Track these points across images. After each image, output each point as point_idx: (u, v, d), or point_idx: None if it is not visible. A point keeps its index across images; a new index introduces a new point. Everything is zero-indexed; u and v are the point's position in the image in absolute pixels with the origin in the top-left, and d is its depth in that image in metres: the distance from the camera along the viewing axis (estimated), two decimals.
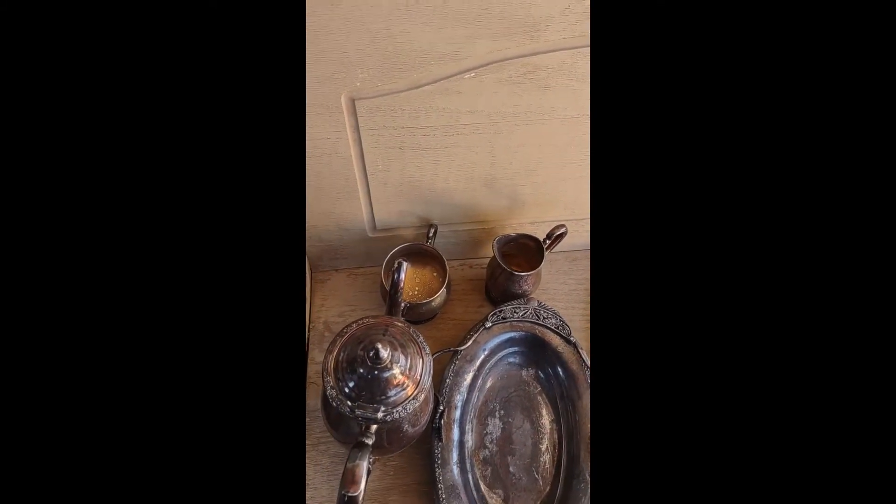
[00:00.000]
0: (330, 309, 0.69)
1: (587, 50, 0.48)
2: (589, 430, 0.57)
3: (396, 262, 0.46)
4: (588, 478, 0.55)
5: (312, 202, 0.61)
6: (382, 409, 0.40)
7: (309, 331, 0.68)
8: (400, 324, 0.44)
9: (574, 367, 0.60)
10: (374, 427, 0.40)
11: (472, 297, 0.70)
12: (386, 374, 0.40)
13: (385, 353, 0.39)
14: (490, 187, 0.62)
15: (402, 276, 0.45)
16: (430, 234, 0.64)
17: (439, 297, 0.63)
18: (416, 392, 0.43)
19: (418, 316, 0.65)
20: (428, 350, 0.44)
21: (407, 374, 0.42)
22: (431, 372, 0.46)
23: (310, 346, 0.66)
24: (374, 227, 0.66)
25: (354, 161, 0.56)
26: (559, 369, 0.61)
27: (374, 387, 0.40)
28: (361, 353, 0.40)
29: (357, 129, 0.53)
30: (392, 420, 0.41)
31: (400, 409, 0.41)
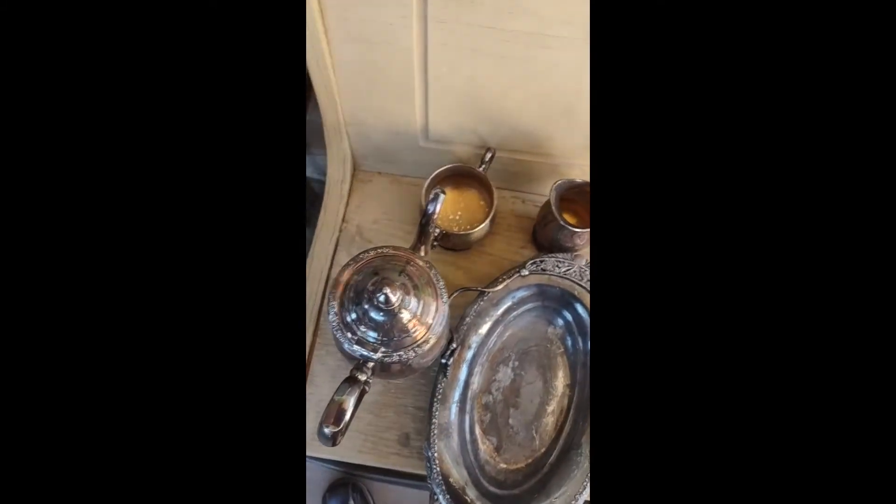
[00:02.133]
0: (366, 213, 0.65)
1: None
2: None
3: (433, 192, 0.40)
4: (587, 453, 0.52)
5: (363, 95, 0.54)
6: (383, 349, 0.37)
7: (340, 231, 0.65)
8: (422, 263, 0.39)
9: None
10: (371, 363, 0.38)
11: (516, 236, 0.64)
12: (393, 317, 0.36)
13: (395, 297, 0.35)
14: (568, 118, 0.53)
15: (437, 208, 0.40)
16: (486, 159, 0.57)
17: (480, 229, 0.57)
18: (425, 336, 0.39)
19: (454, 244, 0.60)
20: (446, 298, 0.40)
21: (418, 318, 0.38)
22: (447, 318, 0.42)
23: (338, 248, 0.64)
24: (426, 137, 0.59)
25: (416, 56, 0.48)
26: (588, 338, 0.56)
27: (377, 326, 0.37)
28: (371, 288, 0.36)
29: (425, 17, 0.44)
30: (392, 361, 0.38)
31: (403, 353, 0.38)
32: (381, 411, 0.58)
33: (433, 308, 0.39)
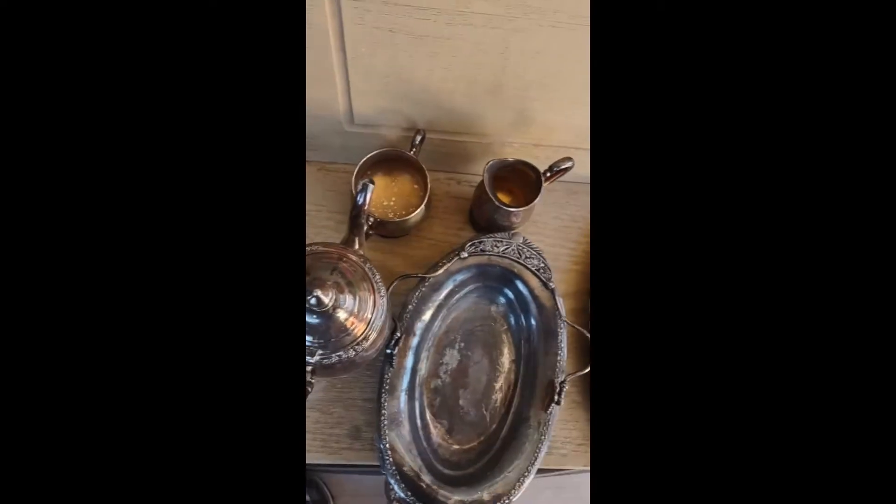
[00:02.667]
0: None
1: None
2: (549, 379, 0.55)
3: (361, 183, 0.38)
4: (535, 424, 0.53)
5: None
6: (321, 352, 0.35)
7: None
8: (355, 257, 0.38)
9: (547, 313, 0.56)
10: (309, 367, 0.36)
11: (453, 218, 0.63)
12: (328, 318, 0.35)
13: (327, 298, 0.34)
14: (495, 95, 0.52)
15: (367, 198, 0.38)
16: (417, 142, 0.55)
17: (416, 214, 0.56)
18: (365, 333, 0.38)
19: (390, 231, 0.58)
20: (384, 292, 0.39)
21: (356, 315, 0.37)
22: (387, 309, 0.41)
23: None
24: (351, 121, 0.56)
25: (332, 37, 0.45)
26: (531, 313, 0.57)
27: (312, 329, 0.35)
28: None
29: None
30: (331, 363, 0.36)
31: (343, 352, 0.36)
32: (329, 408, 0.57)
33: (370, 303, 0.38)
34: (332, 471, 0.98)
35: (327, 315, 0.35)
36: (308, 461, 0.57)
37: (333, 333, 0.36)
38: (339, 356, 0.36)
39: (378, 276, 0.39)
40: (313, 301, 0.33)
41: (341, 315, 0.36)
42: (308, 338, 0.36)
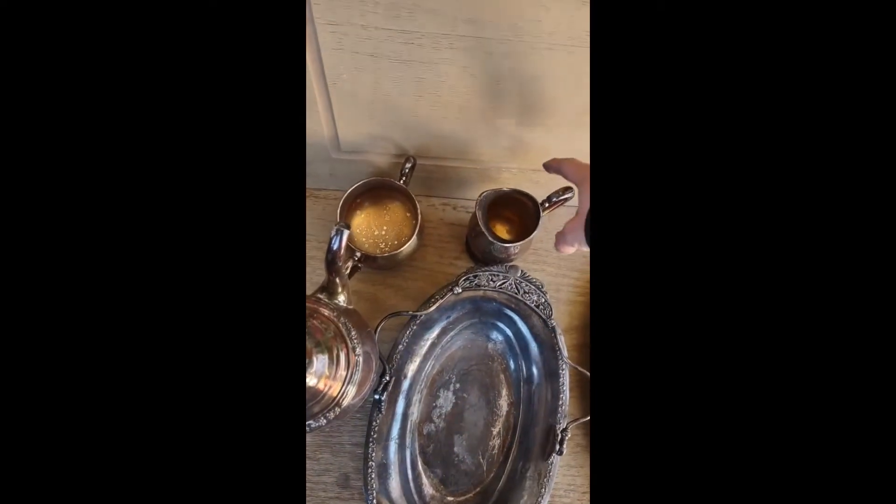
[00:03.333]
0: None
1: None
2: (550, 425, 0.50)
3: (335, 227, 0.34)
4: (534, 475, 0.49)
5: None
6: None
7: None
8: (327, 311, 0.34)
9: (548, 352, 0.52)
10: None
11: (449, 246, 0.60)
12: None
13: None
14: (488, 123, 0.48)
15: (342, 243, 0.34)
16: (406, 170, 0.52)
17: (407, 247, 0.52)
18: (342, 391, 0.34)
19: (380, 265, 0.55)
20: (359, 349, 0.35)
21: (328, 376, 0.33)
22: (366, 360, 0.37)
23: None
24: (338, 148, 0.53)
25: (309, 62, 0.42)
26: (530, 353, 0.53)
27: None
28: None
29: (312, 20, 0.38)
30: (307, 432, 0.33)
31: (313, 422, 0.33)
32: (316, 453, 0.53)
33: (343, 361, 0.34)
34: None
35: None
36: None
37: (307, 398, 0.32)
38: (309, 426, 0.32)
39: (354, 332, 0.35)
40: None
41: (310, 381, 0.32)
42: None
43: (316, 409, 0.33)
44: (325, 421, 0.33)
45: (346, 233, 0.34)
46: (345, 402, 0.34)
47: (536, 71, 0.42)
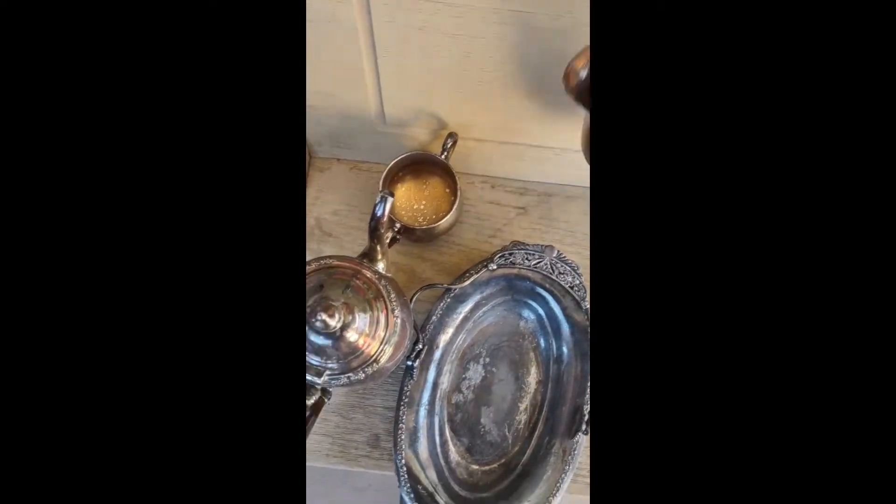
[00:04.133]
0: (325, 204, 0.61)
1: None
2: (577, 405, 0.51)
3: (380, 195, 0.36)
4: (559, 452, 0.50)
5: (310, 77, 0.48)
6: (329, 373, 0.34)
7: None
8: (370, 273, 0.36)
9: (579, 334, 0.52)
10: (317, 387, 0.35)
11: (485, 224, 0.60)
12: (337, 339, 0.33)
13: (334, 321, 0.32)
14: (530, 98, 0.48)
15: (385, 210, 0.36)
16: (448, 146, 0.52)
17: (445, 221, 0.53)
18: (379, 351, 0.36)
19: (418, 237, 0.56)
20: (398, 312, 0.37)
21: (367, 334, 0.35)
22: (404, 325, 0.39)
23: None
24: (383, 121, 0.54)
25: (361, 35, 0.43)
26: (562, 333, 0.53)
27: (319, 349, 0.34)
28: (309, 310, 0.33)
29: None
30: (341, 385, 0.35)
31: (352, 374, 0.34)
32: (349, 413, 0.56)
33: (383, 321, 0.36)
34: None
35: (335, 337, 0.33)
36: (327, 465, 0.56)
37: (343, 355, 0.34)
38: (349, 377, 0.34)
39: (394, 295, 0.37)
40: (319, 324, 0.31)
41: (352, 336, 0.34)
42: (315, 358, 0.34)
43: (354, 364, 0.35)
44: (363, 375, 0.35)
45: (390, 200, 0.35)
46: (381, 361, 0.36)
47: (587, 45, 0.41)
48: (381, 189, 0.50)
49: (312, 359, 0.34)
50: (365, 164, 0.62)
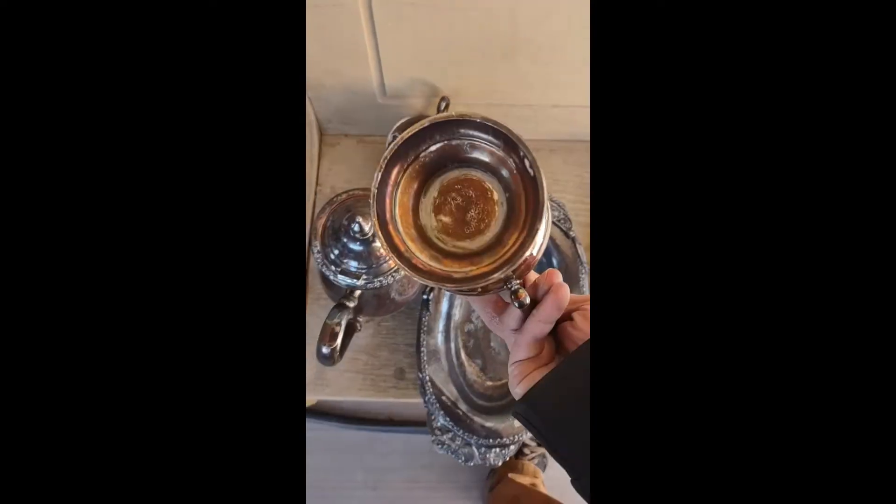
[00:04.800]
0: (338, 175, 0.69)
1: None
2: None
3: (392, 133, 0.44)
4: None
5: (317, 59, 0.57)
6: (364, 276, 0.42)
7: (316, 193, 0.69)
8: None
9: (568, 261, 0.61)
10: (357, 292, 0.43)
11: None
12: (369, 245, 0.41)
13: (368, 226, 0.40)
14: (509, 61, 0.57)
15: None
16: (441, 108, 0.61)
17: None
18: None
19: None
20: None
21: None
22: None
23: (315, 207, 0.68)
24: (384, 93, 0.63)
25: (363, 17, 0.51)
26: (553, 261, 0.62)
27: (357, 256, 0.42)
28: (346, 223, 0.41)
29: None
30: (374, 287, 0.43)
31: (382, 278, 0.42)
32: (375, 351, 0.64)
33: None
34: (384, 430, 1.07)
35: (368, 242, 0.41)
36: (359, 398, 0.64)
37: (374, 260, 0.42)
38: (381, 281, 0.42)
39: None
40: (356, 228, 0.39)
41: (379, 244, 0.42)
42: (353, 263, 0.42)
43: (384, 269, 0.42)
44: (392, 279, 0.43)
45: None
46: (400, 275, 0.44)
47: (548, 9, 0.50)
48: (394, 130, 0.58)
49: (351, 265, 0.42)
50: (370, 137, 0.70)
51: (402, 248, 0.26)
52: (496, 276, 0.25)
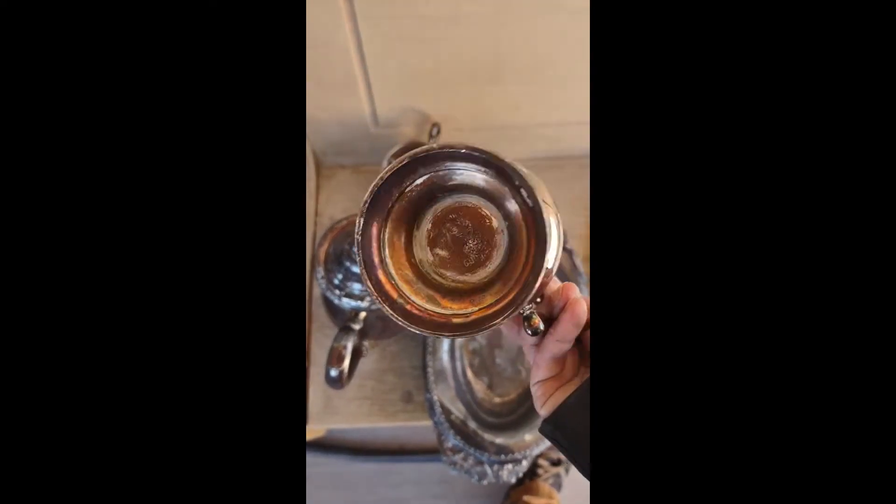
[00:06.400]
0: (336, 204, 0.71)
1: None
2: None
3: (387, 159, 0.46)
4: None
5: (311, 95, 0.59)
6: (368, 298, 0.43)
7: (315, 224, 0.70)
8: None
9: (566, 273, 0.62)
10: (362, 314, 0.44)
11: None
12: None
13: None
14: (496, 84, 0.59)
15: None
16: (433, 133, 0.63)
17: None
18: None
19: None
20: None
21: None
22: None
23: (316, 238, 0.70)
24: (376, 123, 0.65)
25: (353, 52, 0.54)
26: None
27: (360, 278, 0.43)
28: (347, 247, 0.42)
29: (354, 16, 0.50)
30: (378, 309, 0.44)
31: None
32: (382, 376, 0.64)
33: None
34: (395, 460, 1.05)
35: None
36: (368, 425, 0.64)
37: None
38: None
39: None
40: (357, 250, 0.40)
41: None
42: (357, 286, 0.43)
43: None
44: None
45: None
46: None
47: (527, 36, 0.53)
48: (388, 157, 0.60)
49: (354, 287, 0.43)
50: (364, 167, 0.72)
51: (394, 295, 0.24)
52: (497, 321, 0.23)
